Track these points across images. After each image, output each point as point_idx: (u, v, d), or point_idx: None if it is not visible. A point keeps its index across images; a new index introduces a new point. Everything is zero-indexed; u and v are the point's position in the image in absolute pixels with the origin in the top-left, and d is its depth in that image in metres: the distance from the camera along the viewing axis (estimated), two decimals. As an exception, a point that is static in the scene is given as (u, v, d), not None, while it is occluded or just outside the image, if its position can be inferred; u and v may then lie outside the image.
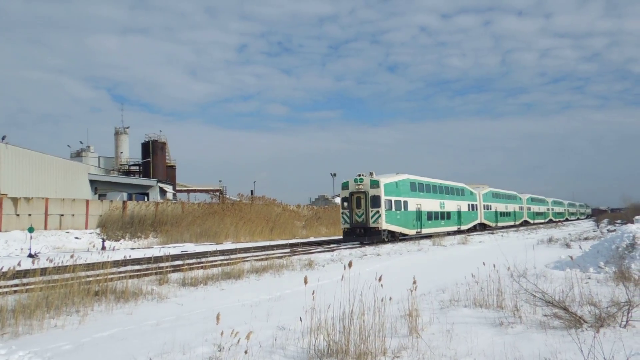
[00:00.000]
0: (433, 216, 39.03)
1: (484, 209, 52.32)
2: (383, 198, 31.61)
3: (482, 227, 51.77)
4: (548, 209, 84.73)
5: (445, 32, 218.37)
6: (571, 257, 14.29)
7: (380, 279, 7.28)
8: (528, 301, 9.04)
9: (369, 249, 26.57)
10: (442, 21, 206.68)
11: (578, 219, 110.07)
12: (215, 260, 18.30)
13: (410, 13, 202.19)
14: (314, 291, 6.77)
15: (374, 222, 30.98)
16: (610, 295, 9.45)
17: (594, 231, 42.25)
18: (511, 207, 62.56)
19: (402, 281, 9.38)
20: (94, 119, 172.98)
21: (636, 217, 30.28)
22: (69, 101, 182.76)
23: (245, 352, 5.97)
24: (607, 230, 39.11)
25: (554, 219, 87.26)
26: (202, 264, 16.84)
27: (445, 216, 41.76)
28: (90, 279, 11.86)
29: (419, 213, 36.40)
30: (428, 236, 36.16)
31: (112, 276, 12.77)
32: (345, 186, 32.97)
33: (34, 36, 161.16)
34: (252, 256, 20.68)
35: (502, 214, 58.34)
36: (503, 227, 57.10)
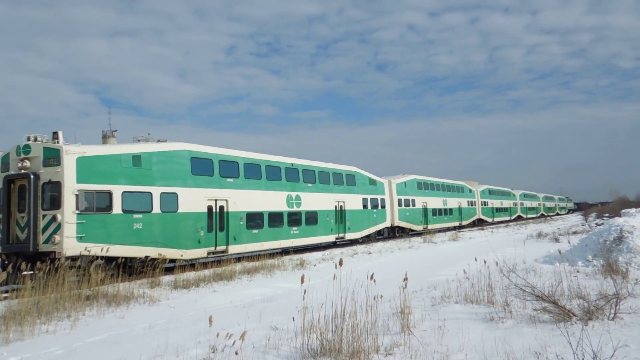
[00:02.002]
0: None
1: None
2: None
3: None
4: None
5: (433, 30, 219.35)
6: (560, 252, 14.46)
7: (372, 277, 7.32)
8: (518, 296, 9.14)
9: (360, 248, 26.65)
10: (430, 19, 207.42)
11: (566, 213, 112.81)
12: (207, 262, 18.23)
13: (398, 12, 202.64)
14: (305, 290, 6.80)
15: (46, 241, 14.28)
16: (599, 289, 9.57)
17: (582, 225, 42.70)
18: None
19: (393, 279, 9.43)
20: (82, 123, 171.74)
21: (623, 211, 30.72)
22: (58, 105, 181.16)
23: (236, 353, 5.97)
24: (595, 224, 39.54)
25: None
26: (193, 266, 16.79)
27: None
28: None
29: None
30: (419, 234, 36.38)
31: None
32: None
33: (21, 41, 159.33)
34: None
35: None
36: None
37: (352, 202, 29.60)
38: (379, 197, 32.79)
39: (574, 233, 30.89)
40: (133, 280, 14.32)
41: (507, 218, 66.02)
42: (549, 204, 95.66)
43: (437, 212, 41.88)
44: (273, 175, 23.12)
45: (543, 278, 11.38)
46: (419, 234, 36.40)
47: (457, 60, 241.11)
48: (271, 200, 22.68)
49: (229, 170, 20.51)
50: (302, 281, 6.64)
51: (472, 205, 51.89)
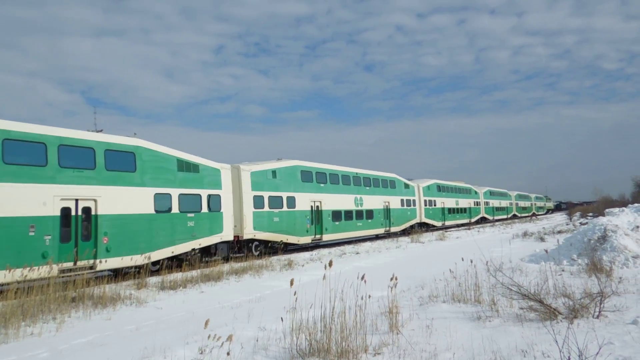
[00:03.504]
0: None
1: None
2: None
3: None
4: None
5: (421, 31, 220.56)
6: (546, 251, 14.61)
7: (362, 277, 7.33)
8: (505, 295, 9.22)
9: (347, 248, 26.68)
10: (418, 20, 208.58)
11: (545, 213, 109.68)
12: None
13: (386, 13, 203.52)
14: (295, 292, 6.79)
15: None
16: (583, 287, 9.71)
17: (567, 224, 43.20)
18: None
19: (381, 279, 9.46)
20: (68, 122, 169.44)
21: (607, 210, 31.14)
22: (43, 105, 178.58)
23: (228, 354, 5.95)
24: (580, 223, 40.04)
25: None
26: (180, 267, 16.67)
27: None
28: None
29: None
30: (408, 233, 36.72)
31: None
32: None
33: (6, 40, 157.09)
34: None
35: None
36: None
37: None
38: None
39: (559, 232, 31.25)
40: (119, 282, 14.17)
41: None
42: (523, 203, 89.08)
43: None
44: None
45: (529, 277, 11.49)
46: (407, 234, 36.69)
47: (444, 61, 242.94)
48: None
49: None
50: (292, 284, 6.62)
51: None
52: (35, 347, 7.93)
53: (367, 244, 28.72)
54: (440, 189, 46.57)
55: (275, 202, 23.67)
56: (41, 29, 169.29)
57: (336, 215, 28.52)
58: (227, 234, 20.44)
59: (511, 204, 77.68)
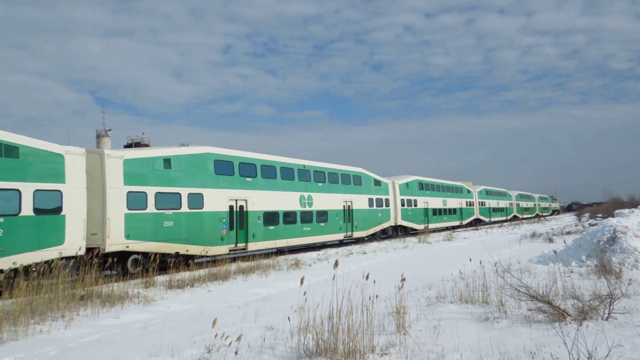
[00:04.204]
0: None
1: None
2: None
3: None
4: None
5: (429, 31, 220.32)
6: (555, 252, 14.52)
7: (367, 277, 7.33)
8: (513, 296, 9.17)
9: (355, 248, 26.67)
10: (426, 20, 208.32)
11: (550, 214, 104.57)
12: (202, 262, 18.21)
13: (394, 13, 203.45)
14: (305, 292, 6.79)
15: None
16: (593, 289, 9.63)
17: (576, 225, 42.92)
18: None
19: (388, 279, 9.44)
20: (77, 122, 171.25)
21: (616, 211, 30.86)
22: (52, 104, 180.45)
23: (235, 353, 5.97)
24: (589, 224, 39.75)
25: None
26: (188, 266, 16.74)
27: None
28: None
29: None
30: (414, 233, 36.44)
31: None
32: None
33: (16, 40, 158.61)
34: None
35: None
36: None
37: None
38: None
39: (568, 233, 31.05)
40: (127, 281, 14.25)
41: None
42: (525, 204, 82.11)
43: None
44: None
45: (538, 278, 11.43)
46: (414, 233, 36.46)
47: (452, 61, 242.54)
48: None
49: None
50: (302, 282, 6.60)
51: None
52: (44, 344, 7.98)
53: (375, 244, 28.67)
54: (423, 186, 40.81)
55: (169, 200, 17.89)
56: (51, 30, 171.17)
57: (270, 217, 22.63)
58: (73, 246, 14.26)
59: (511, 204, 72.27)
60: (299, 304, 6.96)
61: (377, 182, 33.33)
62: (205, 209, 19.19)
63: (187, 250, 18.20)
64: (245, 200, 21.36)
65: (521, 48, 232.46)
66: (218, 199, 19.93)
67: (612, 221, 17.84)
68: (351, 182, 30.00)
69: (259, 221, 21.88)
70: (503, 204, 67.58)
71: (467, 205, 51.86)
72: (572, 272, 13.48)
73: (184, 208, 18.33)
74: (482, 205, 57.47)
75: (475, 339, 7.03)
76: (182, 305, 11.48)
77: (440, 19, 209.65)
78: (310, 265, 18.78)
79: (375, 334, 6.93)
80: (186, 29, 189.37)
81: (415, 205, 38.62)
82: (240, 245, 20.99)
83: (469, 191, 53.32)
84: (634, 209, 31.91)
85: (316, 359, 6.31)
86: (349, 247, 26.96)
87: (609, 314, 7.91)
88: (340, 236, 28.43)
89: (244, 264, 17.83)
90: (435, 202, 42.76)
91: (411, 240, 31.62)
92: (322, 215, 26.55)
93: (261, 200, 22.15)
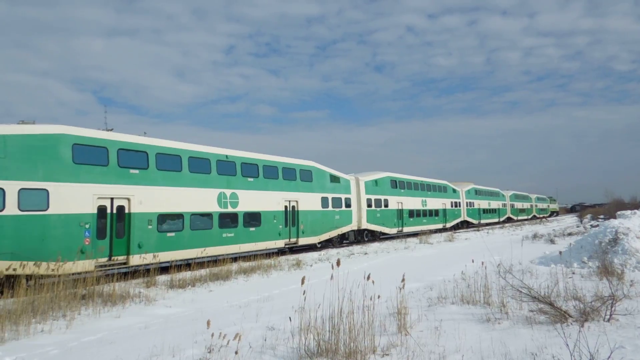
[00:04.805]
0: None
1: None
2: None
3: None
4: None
5: (431, 31, 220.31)
6: (560, 252, 14.50)
7: (369, 278, 7.32)
8: (514, 297, 9.16)
9: (356, 248, 26.66)
10: (428, 21, 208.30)
11: (549, 216, 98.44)
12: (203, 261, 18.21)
13: (397, 13, 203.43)
14: (305, 291, 6.79)
15: None
16: (594, 290, 9.62)
17: (577, 227, 42.85)
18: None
19: (390, 279, 9.43)
20: (79, 121, 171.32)
21: (618, 213, 30.80)
22: (55, 104, 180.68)
23: (236, 353, 5.97)
24: (590, 225, 39.69)
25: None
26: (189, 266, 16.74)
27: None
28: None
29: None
30: (415, 234, 36.06)
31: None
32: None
33: (19, 39, 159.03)
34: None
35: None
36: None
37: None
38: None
39: (569, 235, 31.00)
40: (129, 280, 14.26)
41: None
42: (520, 205, 76.55)
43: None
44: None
45: (539, 279, 11.41)
46: (414, 234, 36.28)
47: (455, 62, 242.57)
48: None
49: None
50: (303, 282, 6.59)
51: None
52: (45, 343, 8.00)
53: (376, 245, 28.66)
54: (397, 184, 35.55)
55: (378, 203, 14.51)
56: (54, 29, 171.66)
57: (169, 221, 17.47)
58: None
59: (504, 205, 67.03)
60: (300, 304, 6.94)
61: (335, 179, 27.94)
62: (51, 211, 13.79)
63: (14, 270, 12.55)
64: (128, 199, 16.07)
65: (524, 49, 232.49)
66: (77, 197, 14.53)
67: (614, 222, 17.80)
68: (297, 177, 24.64)
69: (149, 226, 16.58)
70: (495, 204, 62.42)
71: (452, 206, 46.81)
72: (573, 273, 13.46)
73: (11, 209, 12.89)
74: (470, 205, 52.29)
75: (477, 340, 7.02)
76: (183, 305, 11.49)
77: (443, 20, 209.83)
78: (311, 266, 18.79)
79: (376, 334, 6.92)
80: (189, 29, 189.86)
81: (386, 206, 33.57)
82: (119, 258, 15.65)
83: (454, 190, 48.22)
84: (636, 211, 31.84)
85: (317, 359, 6.31)
86: (349, 248, 26.95)
87: (610, 315, 7.89)
88: (279, 243, 23.00)
89: (245, 264, 17.83)
90: (412, 203, 37.61)
91: (412, 241, 31.59)
92: (253, 218, 21.31)
93: (154, 198, 16.82)
